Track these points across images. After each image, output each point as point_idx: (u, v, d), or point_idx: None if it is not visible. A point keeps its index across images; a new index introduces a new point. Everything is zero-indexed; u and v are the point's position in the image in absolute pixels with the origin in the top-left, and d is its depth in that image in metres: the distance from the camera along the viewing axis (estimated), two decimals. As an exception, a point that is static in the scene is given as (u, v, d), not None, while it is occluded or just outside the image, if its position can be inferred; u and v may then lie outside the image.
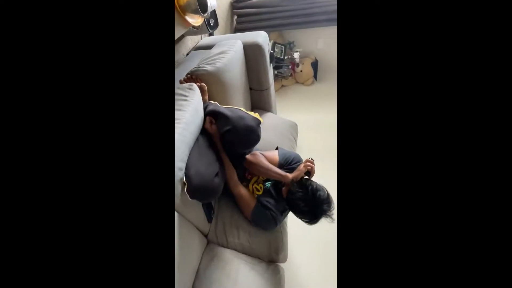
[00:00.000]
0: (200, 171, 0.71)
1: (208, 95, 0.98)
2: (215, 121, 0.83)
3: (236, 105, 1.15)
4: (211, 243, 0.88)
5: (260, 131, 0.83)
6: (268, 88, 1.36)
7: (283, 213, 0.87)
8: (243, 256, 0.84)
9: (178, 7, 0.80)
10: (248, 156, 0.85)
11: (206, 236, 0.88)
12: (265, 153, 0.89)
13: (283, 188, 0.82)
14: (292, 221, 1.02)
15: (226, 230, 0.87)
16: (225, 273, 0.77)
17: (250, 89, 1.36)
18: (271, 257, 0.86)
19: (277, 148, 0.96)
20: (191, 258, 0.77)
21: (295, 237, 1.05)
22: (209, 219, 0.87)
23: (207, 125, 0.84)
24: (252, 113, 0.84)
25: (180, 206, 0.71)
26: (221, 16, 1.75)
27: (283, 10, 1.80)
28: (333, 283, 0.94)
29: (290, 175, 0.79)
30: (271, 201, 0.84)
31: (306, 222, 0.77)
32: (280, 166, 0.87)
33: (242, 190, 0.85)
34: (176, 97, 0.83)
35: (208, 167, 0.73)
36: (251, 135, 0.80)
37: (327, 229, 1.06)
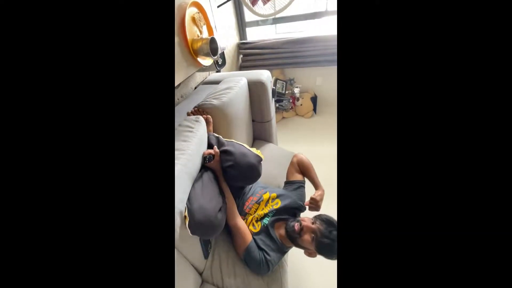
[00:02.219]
0: (203, 205, 0.68)
1: (213, 126, 1.01)
2: (219, 155, 0.84)
3: (239, 136, 1.20)
4: (206, 282, 0.81)
5: (261, 168, 0.84)
6: (269, 121, 1.42)
7: (279, 257, 0.82)
8: None
9: (192, 50, 0.88)
10: (301, 156, 1.05)
11: (201, 274, 0.82)
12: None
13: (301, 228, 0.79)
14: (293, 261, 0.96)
15: (222, 268, 0.81)
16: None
17: (253, 121, 1.41)
18: (270, 302, 0.79)
19: (286, 183, 0.99)
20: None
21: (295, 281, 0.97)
22: (206, 255, 0.82)
23: (209, 161, 0.84)
24: (254, 150, 0.86)
25: (176, 239, 0.68)
26: (228, 55, 1.90)
27: (285, 51, 1.96)
28: None
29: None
30: (267, 241, 0.81)
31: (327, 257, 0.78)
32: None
33: (240, 223, 0.81)
34: (182, 128, 0.85)
35: (211, 201, 0.71)
36: (252, 172, 0.81)
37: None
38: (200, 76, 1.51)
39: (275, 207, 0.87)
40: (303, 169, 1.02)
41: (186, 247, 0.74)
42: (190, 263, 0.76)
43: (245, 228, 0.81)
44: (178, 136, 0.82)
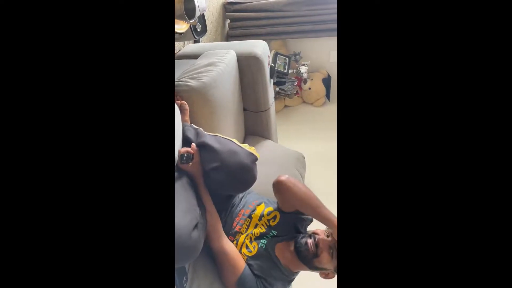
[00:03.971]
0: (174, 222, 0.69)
1: (190, 116, 1.01)
2: (199, 153, 0.84)
3: (226, 129, 1.20)
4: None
5: (256, 170, 0.84)
6: (267, 110, 1.42)
7: (284, 286, 0.84)
8: None
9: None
10: (283, 179, 0.85)
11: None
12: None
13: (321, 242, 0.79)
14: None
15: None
16: None
17: (244, 110, 1.42)
18: None
19: None
20: None
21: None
22: (180, 289, 0.81)
23: (187, 163, 0.83)
24: (246, 146, 0.86)
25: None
26: (211, 20, 1.88)
27: (287, 15, 1.97)
28: None
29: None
30: (267, 267, 0.81)
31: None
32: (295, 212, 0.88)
33: (228, 246, 0.82)
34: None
35: (185, 216, 0.71)
36: (244, 175, 0.81)
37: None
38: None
39: (272, 223, 0.87)
40: (289, 202, 0.89)
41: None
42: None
43: (235, 252, 0.82)
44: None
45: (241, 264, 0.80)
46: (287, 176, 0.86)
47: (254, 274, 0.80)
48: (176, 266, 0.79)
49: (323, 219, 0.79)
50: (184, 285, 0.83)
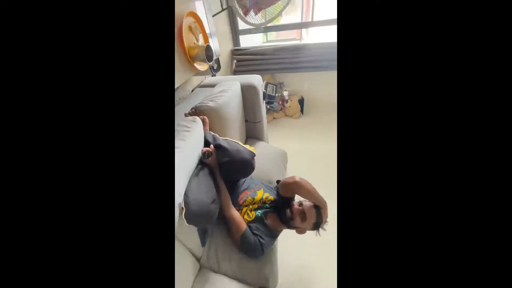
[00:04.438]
0: (198, 198, 0.70)
1: (209, 126, 1.02)
2: (215, 151, 0.86)
3: (233, 135, 1.21)
4: (203, 268, 0.83)
5: (254, 162, 0.85)
6: (261, 121, 1.44)
7: (271, 241, 0.85)
8: (234, 282, 0.80)
9: (189, 56, 0.90)
10: (297, 179, 0.84)
11: (198, 260, 0.84)
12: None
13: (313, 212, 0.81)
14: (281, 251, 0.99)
15: (218, 255, 0.84)
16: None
17: (246, 121, 1.43)
18: (261, 284, 0.82)
19: (278, 181, 0.98)
20: (183, 283, 0.72)
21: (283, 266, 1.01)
22: (203, 243, 0.84)
23: (207, 158, 0.85)
24: (247, 147, 0.87)
25: (176, 229, 0.70)
26: (223, 61, 1.91)
27: (275, 58, 2.00)
28: None
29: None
30: (261, 228, 0.83)
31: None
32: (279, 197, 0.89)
33: (234, 214, 0.84)
34: (180, 128, 0.87)
35: (205, 194, 0.73)
36: (246, 166, 0.83)
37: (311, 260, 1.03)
38: (196, 80, 1.51)
39: (267, 202, 0.90)
40: (300, 193, 0.87)
41: (185, 236, 0.76)
42: (188, 251, 0.78)
43: (240, 217, 0.83)
44: (176, 135, 0.83)
45: (244, 225, 0.82)
46: (298, 177, 0.84)
47: (252, 232, 0.82)
48: (200, 228, 0.81)
49: (317, 200, 0.82)
50: (206, 240, 0.86)
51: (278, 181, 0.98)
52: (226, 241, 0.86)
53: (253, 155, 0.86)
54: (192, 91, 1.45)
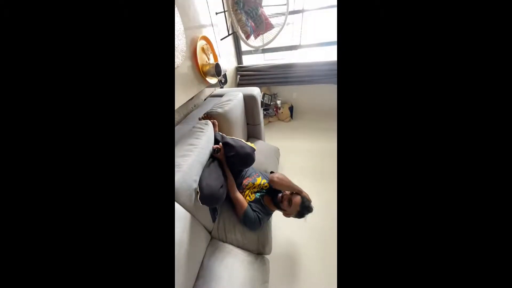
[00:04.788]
0: (209, 183, 0.69)
1: (218, 128, 1.00)
2: (223, 148, 0.84)
3: (237, 135, 1.18)
4: (214, 238, 0.82)
5: (255, 156, 0.84)
6: (259, 124, 1.41)
7: (267, 217, 0.84)
8: (238, 249, 0.79)
9: (202, 72, 0.86)
10: (276, 175, 0.80)
11: (210, 233, 0.82)
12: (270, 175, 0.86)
13: (290, 198, 0.78)
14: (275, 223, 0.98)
15: (226, 228, 0.82)
16: (224, 263, 0.71)
17: (247, 124, 1.40)
18: (259, 250, 0.81)
19: (271, 172, 0.94)
20: (198, 250, 0.71)
21: (277, 235, 1.00)
22: (214, 220, 0.82)
23: (217, 153, 0.83)
24: (249, 143, 0.86)
25: (192, 209, 0.68)
26: (229, 76, 1.87)
27: (270, 74, 1.95)
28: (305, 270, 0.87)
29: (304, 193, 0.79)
30: (259, 206, 0.82)
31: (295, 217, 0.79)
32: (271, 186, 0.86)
33: (239, 196, 0.82)
34: (195, 129, 0.84)
35: (215, 181, 0.72)
36: (248, 159, 0.81)
37: (300, 230, 1.02)
38: (208, 91, 1.47)
39: (265, 188, 0.88)
40: (280, 185, 0.81)
41: (200, 215, 0.75)
42: (202, 226, 0.77)
43: (243, 198, 0.82)
44: (191, 135, 0.80)
45: (246, 204, 0.80)
46: (275, 177, 0.80)
47: (252, 210, 0.80)
48: (211, 207, 0.80)
49: (294, 190, 0.79)
50: (216, 217, 0.84)
51: (271, 172, 0.96)
52: (231, 218, 0.85)
53: (254, 150, 0.84)
54: (205, 99, 1.42)
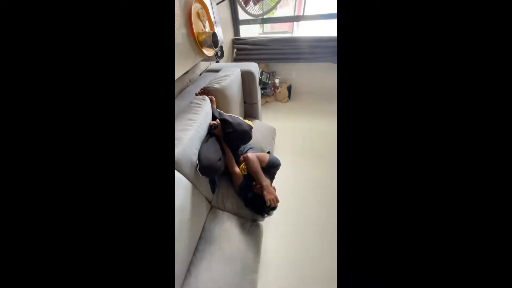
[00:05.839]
0: (208, 156, 0.74)
1: (216, 104, 1.00)
2: (221, 124, 0.87)
3: (234, 113, 1.19)
4: (214, 207, 0.91)
5: (252, 133, 0.88)
6: (256, 103, 1.41)
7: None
8: (235, 217, 0.89)
9: (198, 42, 0.82)
10: (248, 154, 0.84)
11: (210, 202, 0.91)
12: (260, 154, 0.90)
13: (257, 186, 0.81)
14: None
15: (224, 199, 0.91)
16: (223, 228, 0.81)
17: (244, 102, 1.39)
18: (253, 218, 0.91)
19: (268, 152, 0.98)
20: (200, 216, 0.80)
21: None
22: (213, 191, 0.90)
23: (214, 129, 0.85)
24: (247, 121, 0.89)
25: (194, 179, 0.75)
26: (225, 49, 1.76)
27: (269, 48, 1.85)
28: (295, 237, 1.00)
29: (264, 185, 0.77)
30: (249, 180, 0.87)
31: (249, 208, 0.84)
32: (267, 166, 0.87)
33: (236, 170, 0.88)
34: (193, 105, 0.85)
35: (213, 154, 0.76)
36: (246, 136, 0.85)
37: (292, 205, 1.13)
38: (204, 65, 1.41)
39: None
40: (248, 164, 0.82)
41: (201, 186, 0.81)
42: (203, 195, 0.84)
43: (239, 173, 0.88)
44: (190, 110, 0.82)
45: (241, 178, 0.87)
46: (250, 156, 0.82)
47: (245, 180, 0.86)
48: (210, 179, 0.86)
49: (257, 180, 0.79)
50: (215, 189, 0.92)
51: (268, 152, 0.98)
52: (229, 189, 0.93)
53: (251, 127, 0.88)
54: (200, 75, 1.37)
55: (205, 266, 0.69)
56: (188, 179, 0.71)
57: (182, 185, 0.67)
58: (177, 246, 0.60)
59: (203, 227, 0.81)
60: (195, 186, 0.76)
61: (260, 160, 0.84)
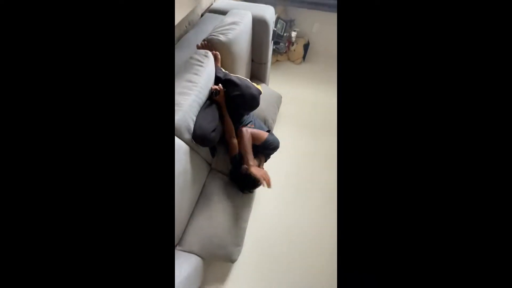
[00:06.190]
0: (202, 125, 0.71)
1: (220, 62, 0.87)
2: (225, 87, 0.78)
3: (241, 74, 1.07)
4: (213, 169, 0.99)
5: (260, 99, 0.81)
6: (266, 63, 1.24)
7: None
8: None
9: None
10: (243, 130, 0.81)
11: (210, 165, 0.98)
12: (257, 132, 0.87)
13: (244, 166, 0.82)
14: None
15: (222, 163, 0.97)
16: (220, 188, 0.91)
17: (252, 61, 1.23)
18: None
19: (268, 131, 0.95)
20: (200, 176, 0.87)
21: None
22: (213, 156, 0.94)
23: (216, 96, 0.77)
24: (255, 84, 0.80)
25: (194, 146, 0.76)
26: (235, -23, 1.34)
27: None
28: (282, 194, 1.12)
29: (251, 168, 0.78)
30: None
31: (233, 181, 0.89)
32: (262, 145, 0.86)
33: (234, 141, 0.88)
34: (193, 61, 0.75)
35: (208, 124, 0.73)
36: (254, 101, 0.79)
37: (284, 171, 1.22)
38: (206, 3, 1.13)
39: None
40: (240, 141, 0.82)
41: (201, 151, 0.85)
42: (203, 159, 0.89)
43: (236, 144, 0.88)
44: (190, 69, 0.73)
45: (237, 150, 0.87)
46: (244, 132, 0.81)
47: (240, 155, 0.87)
48: (203, 147, 0.83)
49: (245, 159, 0.80)
50: (215, 154, 0.94)
51: (268, 131, 0.96)
52: (225, 155, 0.96)
53: (260, 92, 0.81)
54: (202, 15, 1.12)
55: (204, 216, 0.82)
56: (188, 145, 0.73)
57: (183, 150, 0.69)
58: (180, 201, 0.70)
59: (204, 185, 0.91)
60: (195, 151, 0.79)
61: (255, 138, 0.83)
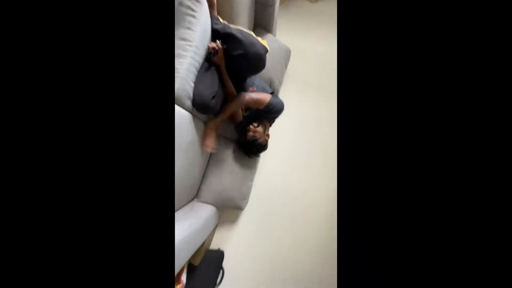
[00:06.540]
0: (201, 93, 0.66)
1: (216, 10, 0.73)
2: (225, 43, 0.67)
3: (242, 22, 0.91)
4: (219, 136, 1.01)
5: (266, 59, 0.71)
6: (273, 5, 1.01)
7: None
8: (229, 141, 1.01)
9: None
10: (241, 95, 0.77)
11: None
12: (259, 96, 0.80)
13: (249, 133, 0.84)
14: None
15: (228, 129, 0.98)
16: (228, 152, 0.98)
17: (256, 2, 0.99)
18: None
19: (272, 93, 0.86)
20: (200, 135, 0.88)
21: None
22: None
23: (214, 56, 0.68)
24: (259, 39, 0.68)
25: (197, 113, 0.75)
26: None
27: None
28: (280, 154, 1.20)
29: (210, 124, 0.78)
30: (246, 122, 0.88)
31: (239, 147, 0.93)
32: (265, 109, 0.81)
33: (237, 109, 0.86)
34: (183, 9, 0.62)
35: (207, 90, 0.67)
36: (259, 62, 0.69)
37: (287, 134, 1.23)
38: None
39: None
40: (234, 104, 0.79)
41: (203, 116, 0.84)
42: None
43: (239, 112, 0.86)
44: (180, 21, 0.62)
45: (241, 118, 0.87)
46: (242, 95, 0.77)
47: (245, 121, 0.88)
48: (204, 114, 0.80)
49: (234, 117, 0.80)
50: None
51: (272, 92, 0.88)
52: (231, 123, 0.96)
53: (266, 50, 0.69)
54: None
55: (214, 176, 0.94)
56: (191, 113, 0.72)
57: (187, 120, 0.68)
58: (193, 165, 0.78)
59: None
60: (199, 118, 0.78)
61: (257, 103, 0.79)
